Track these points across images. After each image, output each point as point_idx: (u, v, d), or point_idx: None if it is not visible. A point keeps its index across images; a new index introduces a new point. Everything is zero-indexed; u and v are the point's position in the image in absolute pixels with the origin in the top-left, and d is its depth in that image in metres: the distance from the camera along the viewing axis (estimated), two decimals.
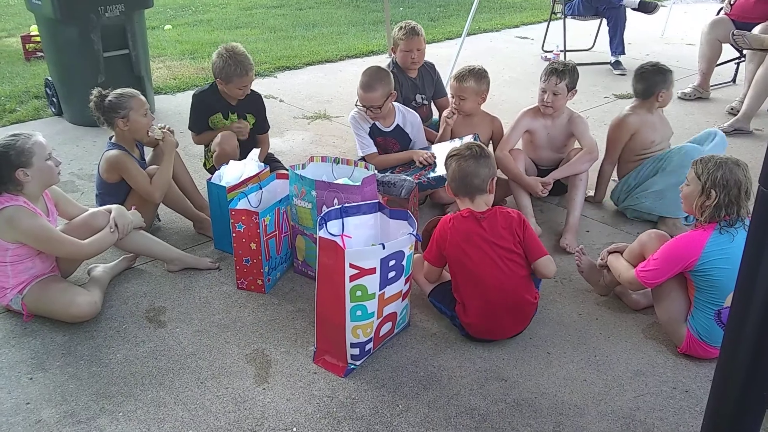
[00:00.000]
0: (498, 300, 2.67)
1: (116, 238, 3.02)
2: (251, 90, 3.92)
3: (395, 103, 3.97)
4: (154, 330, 2.88)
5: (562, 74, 3.64)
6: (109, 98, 3.36)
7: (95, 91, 3.40)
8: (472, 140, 3.68)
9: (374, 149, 3.91)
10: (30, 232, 2.79)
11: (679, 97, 5.89)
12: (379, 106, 3.80)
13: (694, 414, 2.42)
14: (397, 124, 3.97)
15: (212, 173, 3.49)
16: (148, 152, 3.71)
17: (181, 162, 3.67)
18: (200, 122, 3.91)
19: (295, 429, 2.35)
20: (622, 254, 2.94)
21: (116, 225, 3.01)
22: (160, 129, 3.46)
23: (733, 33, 5.56)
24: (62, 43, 5.02)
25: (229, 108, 3.89)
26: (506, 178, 3.76)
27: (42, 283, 2.91)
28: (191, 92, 6.04)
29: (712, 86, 6.05)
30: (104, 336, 2.83)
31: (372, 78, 3.80)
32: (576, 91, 3.72)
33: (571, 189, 3.66)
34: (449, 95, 4.06)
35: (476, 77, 3.87)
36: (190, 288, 3.17)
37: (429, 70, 4.49)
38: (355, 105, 3.92)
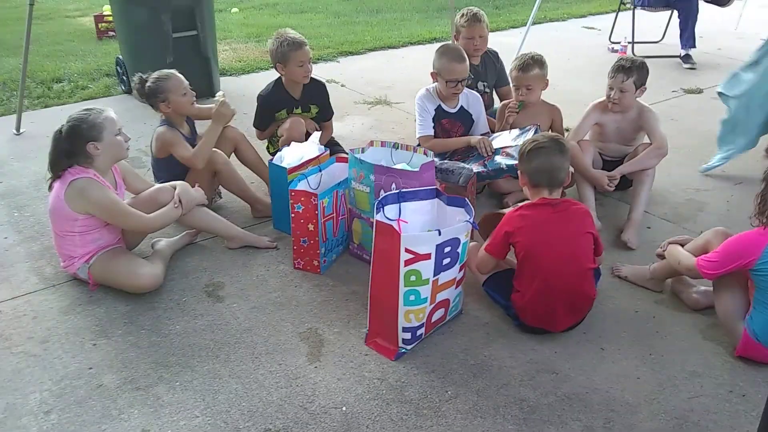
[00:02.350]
0: (558, 288, 2.65)
1: (179, 214, 3.10)
2: (314, 79, 3.96)
3: None
4: (212, 304, 2.96)
5: (629, 71, 3.56)
6: (148, 84, 3.43)
7: (136, 78, 3.49)
8: (533, 132, 3.64)
9: (431, 132, 3.90)
10: (99, 203, 2.89)
11: None
12: (466, 78, 3.82)
13: (750, 419, 2.36)
14: (461, 106, 3.96)
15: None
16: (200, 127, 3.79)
17: (246, 141, 3.74)
18: (266, 121, 3.97)
19: (344, 408, 2.39)
20: (682, 246, 2.92)
21: (180, 201, 3.10)
22: (221, 97, 3.53)
23: None
24: (133, 23, 5.17)
25: (294, 103, 3.94)
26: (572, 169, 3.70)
27: (108, 253, 3.02)
28: (255, 74, 6.23)
29: None
30: (165, 308, 2.93)
31: (459, 50, 3.82)
32: (645, 88, 3.64)
33: (636, 184, 3.58)
34: (512, 86, 4.01)
35: (539, 64, 3.83)
36: (248, 265, 3.24)
37: (492, 58, 4.45)
38: (433, 85, 3.92)
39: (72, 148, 2.87)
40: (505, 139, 3.77)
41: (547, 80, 3.92)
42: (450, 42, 4.36)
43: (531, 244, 2.68)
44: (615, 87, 3.61)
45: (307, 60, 3.81)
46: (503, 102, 4.11)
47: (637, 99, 3.69)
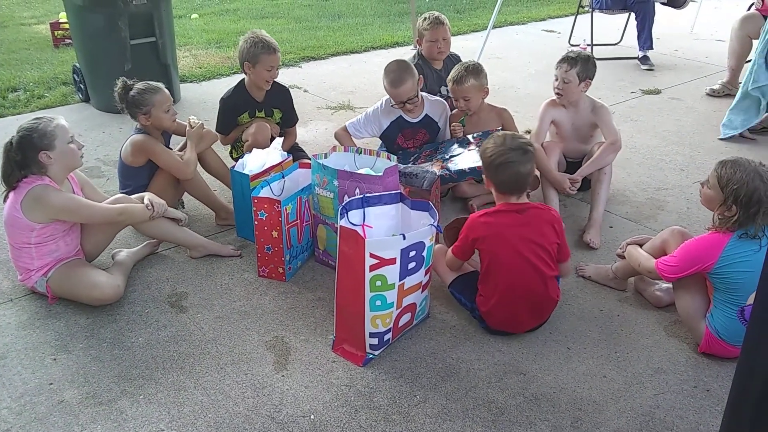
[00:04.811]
0: (522, 294, 2.66)
1: (149, 216, 3.06)
2: (278, 83, 3.93)
3: (422, 93, 3.96)
4: (175, 315, 2.91)
5: (573, 62, 3.62)
6: (132, 93, 3.36)
7: (120, 82, 3.42)
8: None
9: (353, 132, 3.99)
10: (60, 206, 2.84)
11: (707, 94, 5.80)
12: (414, 96, 3.80)
13: (715, 413, 2.39)
14: (426, 114, 3.96)
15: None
16: (174, 143, 3.73)
17: (211, 149, 3.70)
18: (229, 125, 3.93)
19: (312, 416, 2.36)
20: (641, 247, 2.97)
21: (152, 204, 3.06)
22: (195, 121, 3.53)
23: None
24: (90, 31, 5.07)
25: (256, 106, 3.91)
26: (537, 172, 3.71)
27: (66, 266, 2.95)
28: (216, 81, 6.17)
29: (741, 83, 5.95)
30: (127, 320, 2.87)
31: (398, 72, 3.75)
32: (590, 81, 3.67)
33: (595, 184, 3.62)
34: (452, 99, 4.00)
35: (474, 74, 3.80)
36: (212, 274, 3.20)
37: (455, 61, 4.45)
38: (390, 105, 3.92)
39: (24, 159, 2.81)
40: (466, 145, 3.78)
41: (487, 88, 3.90)
42: (412, 46, 4.36)
43: (495, 252, 2.68)
44: (559, 77, 3.66)
45: (276, 66, 3.79)
46: (452, 112, 4.10)
47: (588, 95, 3.73)
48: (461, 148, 3.75)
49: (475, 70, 3.81)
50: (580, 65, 3.61)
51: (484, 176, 2.83)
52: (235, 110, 3.90)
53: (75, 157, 2.94)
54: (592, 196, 3.61)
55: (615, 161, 3.69)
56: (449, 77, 3.88)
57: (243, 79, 3.89)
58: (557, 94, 3.70)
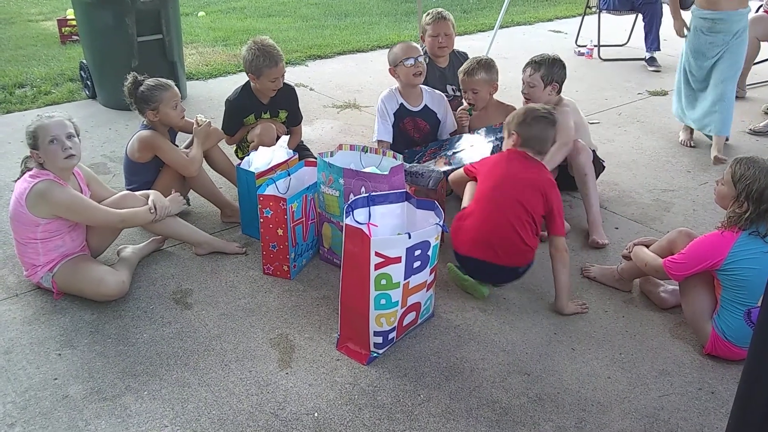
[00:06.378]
0: (496, 222, 2.88)
1: (151, 219, 3.05)
2: (284, 83, 3.93)
3: (422, 86, 3.99)
4: (180, 311, 2.91)
5: (537, 66, 3.63)
6: (141, 88, 3.38)
7: (130, 77, 3.43)
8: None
9: (388, 139, 3.97)
10: (63, 203, 2.84)
11: None
12: (422, 54, 3.89)
13: (720, 416, 2.39)
14: (425, 105, 3.98)
15: None
16: (180, 141, 3.74)
17: (217, 146, 3.71)
18: (234, 126, 3.93)
19: (316, 414, 2.36)
20: (647, 248, 2.96)
21: (155, 207, 3.06)
22: (203, 120, 3.55)
23: None
24: (97, 27, 5.09)
25: (262, 108, 3.90)
26: None
27: (72, 261, 2.95)
28: (223, 78, 6.18)
29: (748, 85, 5.93)
30: (131, 316, 2.87)
31: (406, 41, 4.00)
32: (557, 85, 3.66)
33: (580, 187, 3.56)
34: (461, 90, 4.03)
35: (486, 68, 3.83)
36: (217, 271, 3.20)
37: (461, 60, 4.44)
38: (396, 86, 3.99)
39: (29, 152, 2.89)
40: (471, 139, 3.78)
41: (496, 84, 3.92)
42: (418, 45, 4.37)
43: (486, 174, 2.97)
44: (524, 81, 3.67)
45: (280, 76, 3.77)
46: (460, 109, 4.12)
47: (563, 97, 3.71)
48: (465, 144, 3.75)
49: (487, 65, 3.85)
50: (545, 69, 3.61)
51: (511, 131, 3.00)
52: (240, 112, 3.89)
53: (56, 158, 2.84)
54: (583, 200, 3.57)
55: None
56: (461, 68, 3.90)
57: (249, 81, 3.89)
58: (525, 98, 3.70)
